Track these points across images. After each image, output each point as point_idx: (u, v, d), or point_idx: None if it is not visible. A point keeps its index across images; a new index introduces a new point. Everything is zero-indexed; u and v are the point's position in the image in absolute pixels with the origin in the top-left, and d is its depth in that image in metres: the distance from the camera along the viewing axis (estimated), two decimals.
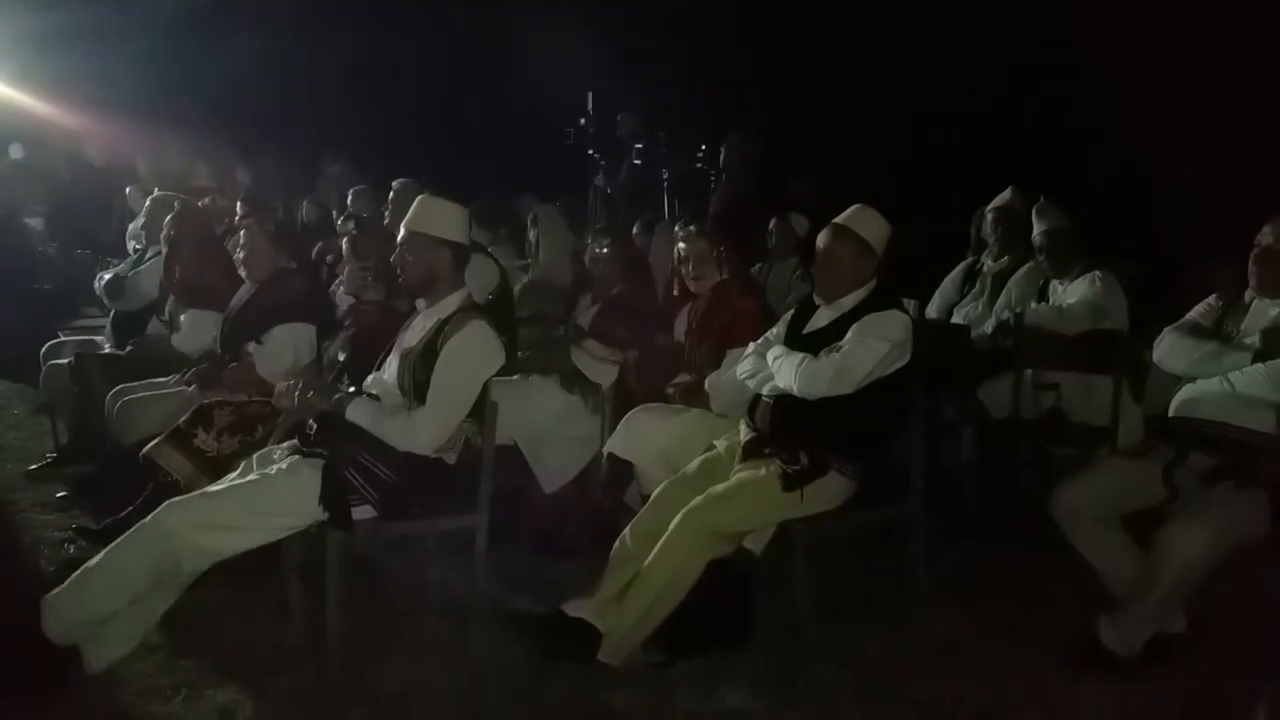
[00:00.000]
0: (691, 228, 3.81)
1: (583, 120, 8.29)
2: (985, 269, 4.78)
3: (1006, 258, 4.69)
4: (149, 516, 2.72)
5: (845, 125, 7.72)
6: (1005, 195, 4.79)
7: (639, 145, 7.80)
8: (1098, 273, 4.18)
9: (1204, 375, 2.99)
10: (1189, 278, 4.00)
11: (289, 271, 3.99)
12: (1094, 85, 6.89)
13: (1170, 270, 4.40)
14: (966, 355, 4.34)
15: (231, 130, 8.42)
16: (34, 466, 4.68)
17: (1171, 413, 3.07)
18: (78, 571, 2.73)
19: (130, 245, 6.41)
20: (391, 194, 5.28)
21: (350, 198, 6.23)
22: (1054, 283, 4.33)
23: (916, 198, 5.56)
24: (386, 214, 5.14)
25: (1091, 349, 4.05)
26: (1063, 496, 3.03)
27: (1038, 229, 4.29)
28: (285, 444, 3.12)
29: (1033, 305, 4.31)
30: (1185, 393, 3.03)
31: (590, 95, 8.27)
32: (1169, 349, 3.10)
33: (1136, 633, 2.87)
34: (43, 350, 5.11)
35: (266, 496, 2.78)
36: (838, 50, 8.06)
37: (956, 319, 4.70)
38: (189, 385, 3.90)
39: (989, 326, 4.50)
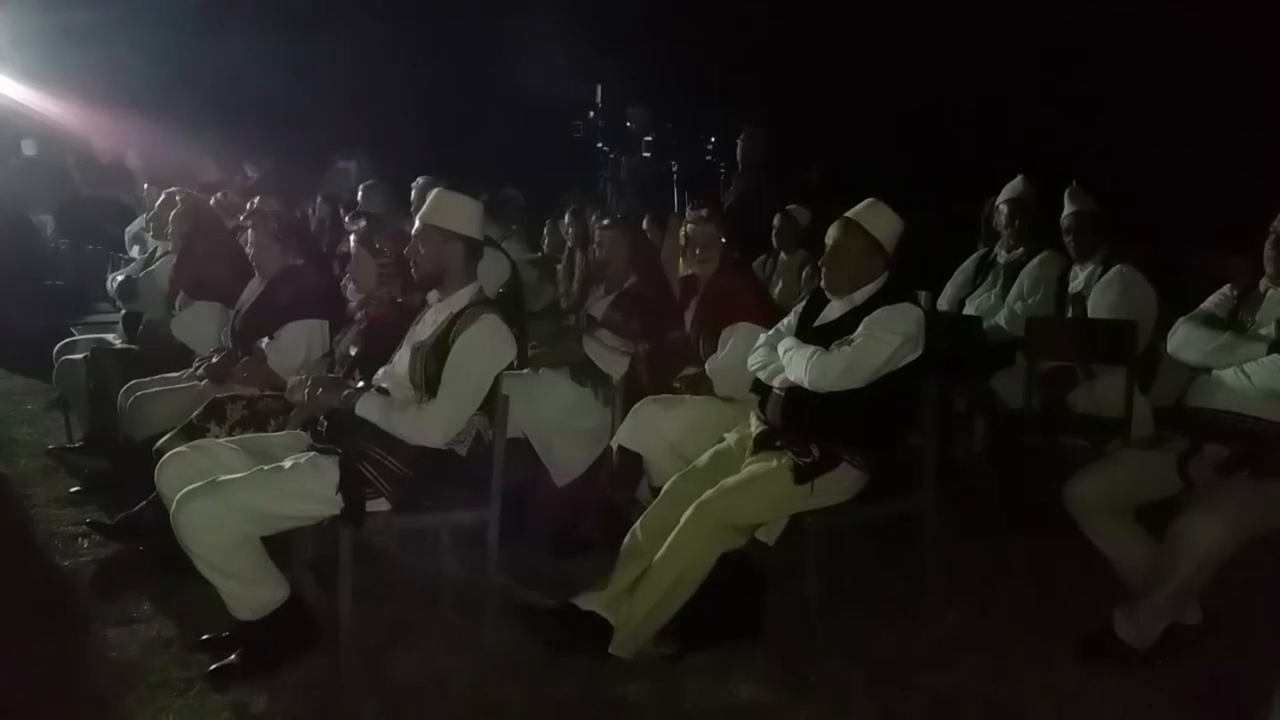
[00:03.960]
0: (702, 212, 3.81)
1: (592, 113, 8.27)
2: (999, 260, 4.76)
3: (1021, 249, 4.67)
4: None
5: (854, 116, 7.70)
6: (1016, 185, 4.76)
7: (649, 138, 7.78)
8: (1120, 268, 4.15)
9: (1218, 366, 2.97)
10: (1197, 269, 3.98)
11: (300, 267, 3.99)
12: (1097, 78, 6.86)
13: (1169, 264, 4.38)
14: (978, 347, 4.33)
15: (241, 127, 8.44)
16: (53, 447, 4.73)
17: (1186, 403, 3.05)
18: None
19: (133, 248, 6.43)
20: (414, 192, 5.31)
21: (361, 194, 6.24)
22: (1075, 268, 4.32)
23: (924, 188, 5.54)
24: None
25: (1101, 340, 4.03)
26: (1076, 488, 3.02)
27: (1067, 210, 4.30)
28: (284, 432, 3.14)
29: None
30: (1200, 383, 3.02)
31: (599, 89, 8.25)
32: (1183, 340, 3.09)
33: (1151, 625, 2.86)
34: (56, 347, 5.13)
35: (291, 483, 2.79)
36: (847, 40, 8.03)
37: (968, 310, 4.68)
38: (201, 379, 3.91)
39: (1002, 318, 4.49)
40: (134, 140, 8.32)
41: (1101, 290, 4.14)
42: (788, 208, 5.78)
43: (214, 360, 3.96)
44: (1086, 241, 4.24)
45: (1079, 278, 4.29)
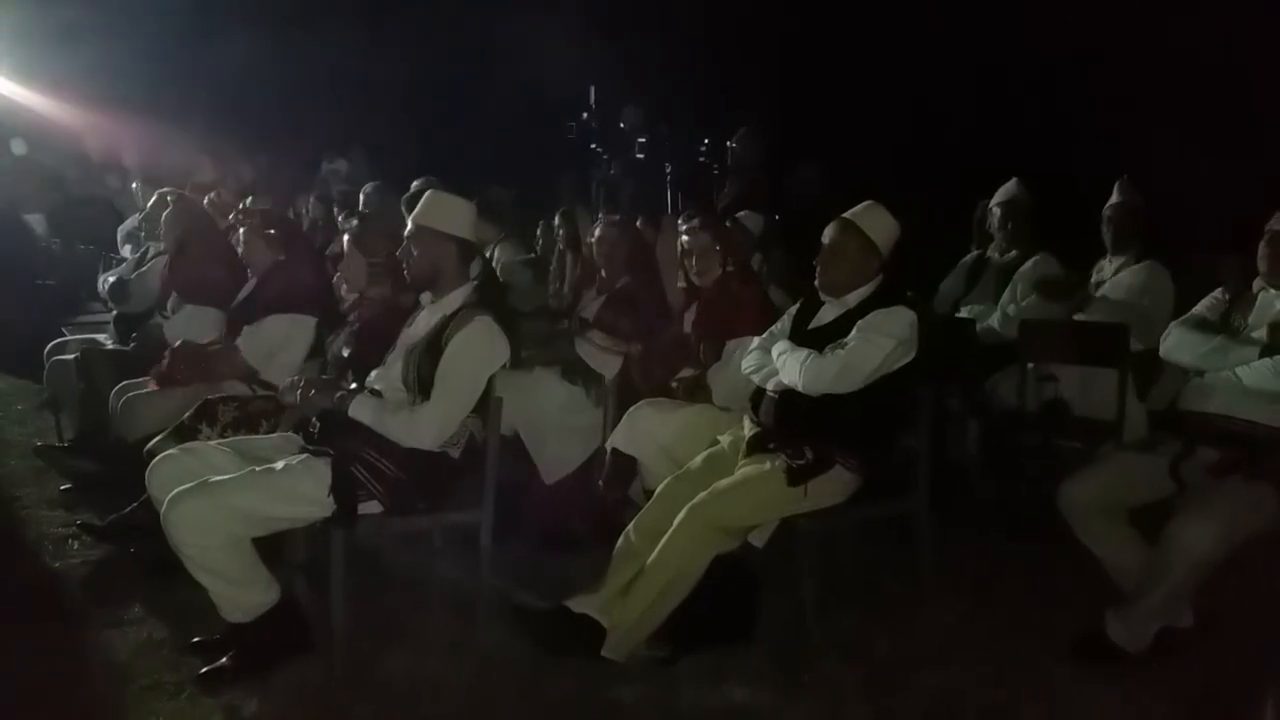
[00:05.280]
0: (695, 221, 3.79)
1: (585, 114, 8.27)
2: (992, 262, 4.77)
3: (1014, 251, 4.68)
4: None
5: (849, 117, 7.71)
6: (1010, 188, 4.77)
7: (642, 139, 7.78)
8: (1151, 262, 4.18)
9: (1211, 369, 2.98)
10: (1199, 269, 4.00)
11: (288, 263, 3.98)
12: (1096, 78, 6.88)
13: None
14: (972, 349, 4.33)
15: (235, 126, 8.41)
16: (40, 444, 4.71)
17: (1179, 406, 3.05)
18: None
19: (125, 248, 6.39)
20: (411, 192, 5.31)
21: (362, 196, 6.22)
22: (1103, 260, 4.35)
23: (919, 189, 5.55)
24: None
25: (1095, 342, 4.04)
26: (1069, 490, 3.02)
27: (1113, 200, 4.33)
28: (275, 434, 3.13)
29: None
30: (1193, 386, 3.03)
31: (592, 89, 8.25)
32: (1175, 343, 3.10)
33: (1144, 627, 2.86)
34: (47, 347, 5.11)
35: (284, 484, 2.78)
36: (842, 42, 8.04)
37: (962, 313, 4.69)
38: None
39: (995, 320, 4.49)
40: (129, 139, 8.29)
41: (1127, 275, 4.18)
42: (737, 214, 5.76)
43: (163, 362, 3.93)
44: (1124, 235, 4.26)
45: (1106, 270, 4.30)
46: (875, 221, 3.14)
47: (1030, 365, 4.16)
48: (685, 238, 3.77)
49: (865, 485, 3.04)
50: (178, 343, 3.99)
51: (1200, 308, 3.16)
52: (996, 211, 4.76)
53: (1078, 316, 4.26)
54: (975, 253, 4.96)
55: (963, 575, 3.46)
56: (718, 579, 2.95)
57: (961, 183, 5.49)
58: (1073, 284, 4.35)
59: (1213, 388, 2.96)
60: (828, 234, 3.18)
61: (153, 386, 3.88)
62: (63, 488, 4.34)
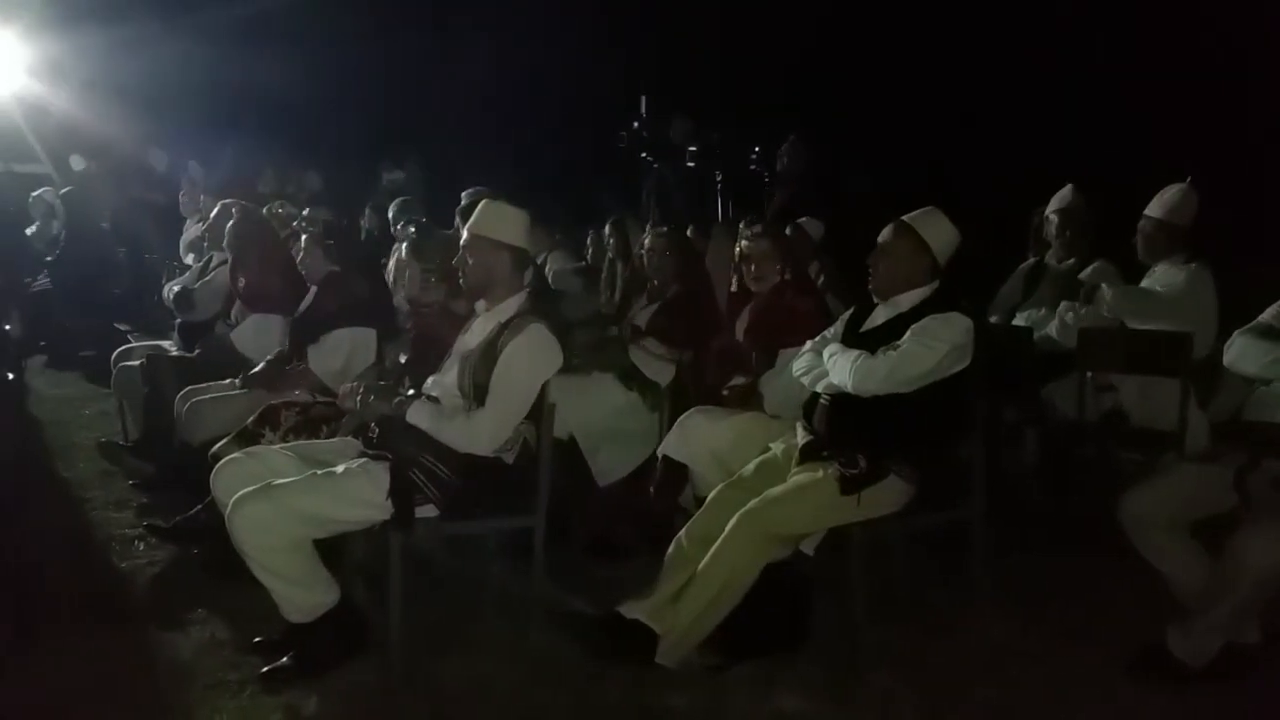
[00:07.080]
0: (756, 228, 3.80)
1: (636, 123, 8.30)
2: (1049, 269, 4.70)
3: (1072, 258, 4.61)
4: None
5: (902, 124, 7.66)
6: (1066, 195, 4.71)
7: (693, 148, 7.78)
8: (1196, 265, 4.11)
9: (1276, 378, 2.91)
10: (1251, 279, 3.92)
11: (344, 274, 4.05)
12: (1149, 86, 6.76)
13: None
14: (1029, 358, 4.28)
15: (295, 137, 8.60)
16: (104, 440, 4.83)
17: (1244, 417, 2.99)
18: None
19: (188, 256, 6.56)
20: (464, 202, 5.39)
21: (393, 209, 6.32)
22: (1152, 269, 4.28)
23: (967, 197, 5.50)
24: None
25: (1156, 351, 3.97)
26: (1131, 503, 2.97)
27: (1151, 213, 4.25)
28: (335, 438, 3.19)
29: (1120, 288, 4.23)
30: (1258, 396, 2.96)
31: (644, 99, 8.28)
32: (1239, 352, 3.03)
33: (1207, 643, 2.80)
34: (114, 354, 5.26)
35: (344, 487, 2.84)
36: (893, 49, 7.99)
37: (1019, 321, 4.63)
38: (243, 388, 4.00)
39: (1053, 329, 4.42)
40: (192, 149, 8.51)
41: (1172, 275, 4.11)
42: (799, 220, 5.74)
43: (258, 369, 4.04)
44: (1156, 247, 4.19)
45: (1153, 276, 4.24)
46: (932, 227, 3.13)
47: (1089, 374, 4.10)
48: (745, 243, 3.77)
49: (919, 494, 3.02)
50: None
51: (1266, 315, 3.09)
52: (1053, 219, 4.70)
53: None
54: (1032, 260, 4.89)
55: (1018, 587, 3.41)
56: (769, 586, 2.94)
57: (1018, 189, 5.43)
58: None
59: (1279, 398, 2.89)
60: (883, 235, 3.17)
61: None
62: (130, 483, 4.45)
